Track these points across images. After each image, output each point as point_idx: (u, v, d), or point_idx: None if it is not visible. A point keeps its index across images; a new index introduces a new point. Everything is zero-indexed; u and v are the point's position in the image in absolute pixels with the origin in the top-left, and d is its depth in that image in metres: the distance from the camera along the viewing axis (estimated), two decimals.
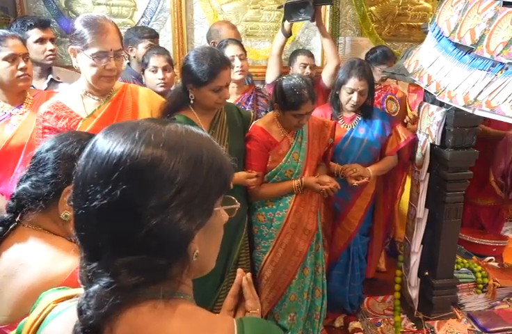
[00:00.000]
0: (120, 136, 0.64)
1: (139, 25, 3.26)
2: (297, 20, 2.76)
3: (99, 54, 1.58)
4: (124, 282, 0.61)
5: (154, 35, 2.80)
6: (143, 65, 2.46)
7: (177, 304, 0.65)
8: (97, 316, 0.60)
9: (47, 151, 1.08)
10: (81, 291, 0.67)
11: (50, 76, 2.44)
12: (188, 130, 0.69)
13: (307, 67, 2.92)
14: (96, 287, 0.62)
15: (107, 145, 0.64)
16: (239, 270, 0.86)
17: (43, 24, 2.34)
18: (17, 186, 1.10)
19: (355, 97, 2.26)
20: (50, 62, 2.39)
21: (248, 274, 0.85)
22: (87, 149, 0.67)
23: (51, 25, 2.53)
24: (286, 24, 2.76)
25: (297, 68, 2.94)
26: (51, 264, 0.99)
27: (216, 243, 0.73)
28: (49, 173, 1.06)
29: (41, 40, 2.33)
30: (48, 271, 0.98)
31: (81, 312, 0.62)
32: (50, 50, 2.35)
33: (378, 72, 2.90)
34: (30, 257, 1.02)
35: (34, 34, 2.32)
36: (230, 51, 2.41)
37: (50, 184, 1.05)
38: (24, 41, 1.95)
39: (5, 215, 1.08)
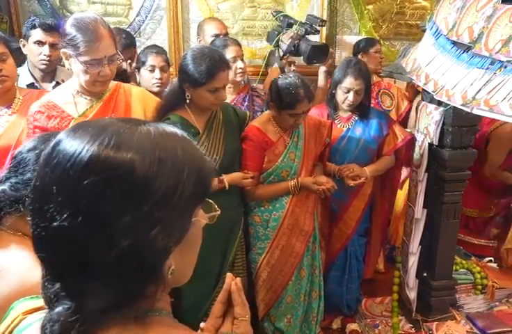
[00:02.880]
0: (85, 141, 0.56)
1: (134, 23, 3.24)
2: (315, 63, 2.63)
3: (92, 62, 1.54)
4: (91, 308, 0.55)
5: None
6: (139, 63, 2.43)
7: (151, 324, 0.59)
8: None
9: (28, 151, 1.03)
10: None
11: (56, 80, 2.36)
12: (161, 131, 0.61)
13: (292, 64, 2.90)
14: (60, 310, 0.56)
15: (68, 151, 0.55)
16: (228, 275, 0.82)
17: (46, 27, 2.23)
18: None
19: (351, 96, 2.23)
20: (43, 67, 2.28)
21: (238, 279, 0.81)
22: (45, 155, 0.58)
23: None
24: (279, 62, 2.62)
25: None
26: (30, 271, 0.93)
27: (194, 254, 0.67)
28: (29, 175, 1.00)
29: (40, 43, 2.23)
30: (26, 280, 0.93)
31: None
32: (44, 55, 2.24)
33: (374, 55, 2.93)
34: (7, 264, 0.97)
35: (35, 34, 2.22)
36: (232, 51, 2.36)
37: (30, 186, 1.01)
38: (5, 39, 1.83)
39: None
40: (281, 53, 2.64)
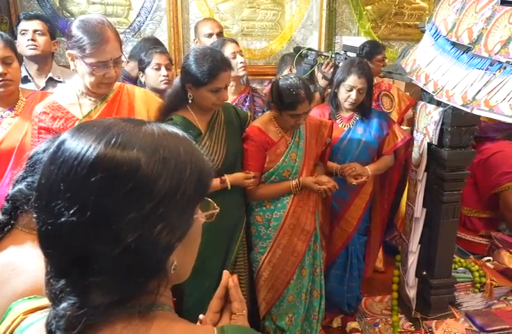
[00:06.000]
0: (91, 140, 0.57)
1: (134, 24, 3.25)
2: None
3: (98, 64, 1.55)
4: (96, 302, 0.56)
5: None
6: (144, 63, 2.45)
7: (154, 318, 0.61)
8: None
9: (44, 152, 1.04)
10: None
11: (49, 75, 2.40)
12: (164, 131, 0.63)
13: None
14: (65, 305, 0.57)
15: (75, 150, 0.56)
16: (225, 272, 0.84)
17: (26, 17, 2.34)
18: (13, 187, 1.07)
19: (353, 94, 2.25)
20: (30, 52, 2.33)
21: (234, 276, 0.83)
22: (50, 154, 0.59)
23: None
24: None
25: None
26: (44, 270, 0.96)
27: (195, 251, 0.69)
28: None
29: (24, 31, 2.33)
30: (42, 278, 0.94)
31: (50, 332, 0.58)
32: (28, 39, 2.32)
33: (377, 63, 2.92)
34: (23, 262, 0.98)
35: (20, 26, 2.32)
36: (230, 48, 2.38)
37: None
38: (11, 42, 1.83)
39: (0, 217, 1.05)
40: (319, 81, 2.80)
